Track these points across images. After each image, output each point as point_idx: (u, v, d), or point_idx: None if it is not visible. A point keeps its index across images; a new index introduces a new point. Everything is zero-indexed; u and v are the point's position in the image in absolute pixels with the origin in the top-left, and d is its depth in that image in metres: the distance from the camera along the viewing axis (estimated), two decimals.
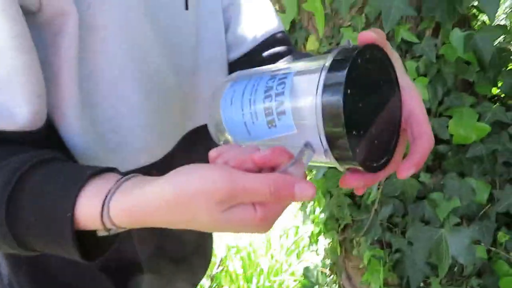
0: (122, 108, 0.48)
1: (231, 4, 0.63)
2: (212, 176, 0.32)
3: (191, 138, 0.60)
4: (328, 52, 0.36)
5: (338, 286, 1.51)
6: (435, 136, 1.26)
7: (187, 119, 0.59)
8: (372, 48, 0.34)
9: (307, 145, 0.33)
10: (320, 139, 0.32)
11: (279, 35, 0.63)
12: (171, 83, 0.53)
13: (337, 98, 0.30)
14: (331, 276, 1.52)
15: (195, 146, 0.60)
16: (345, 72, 0.30)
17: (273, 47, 0.62)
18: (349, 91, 0.30)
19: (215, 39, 0.60)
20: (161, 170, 0.38)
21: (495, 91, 1.28)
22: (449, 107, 1.22)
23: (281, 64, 0.39)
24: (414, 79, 1.15)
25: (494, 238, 1.20)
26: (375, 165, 0.34)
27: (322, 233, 1.44)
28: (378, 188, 1.18)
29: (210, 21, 0.59)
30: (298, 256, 1.96)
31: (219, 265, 1.89)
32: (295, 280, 1.80)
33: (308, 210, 1.50)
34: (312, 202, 1.47)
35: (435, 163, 1.27)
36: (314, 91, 0.31)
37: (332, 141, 0.31)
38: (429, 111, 1.24)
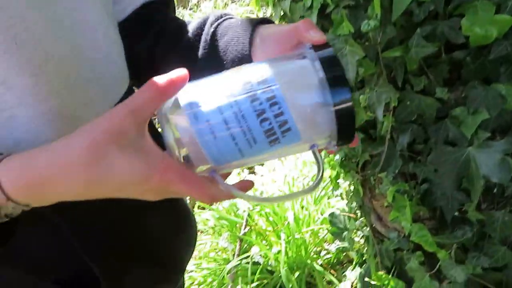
0: None
1: None
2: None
3: None
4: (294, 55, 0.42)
5: (370, 228, 1.40)
6: (447, 42, 1.08)
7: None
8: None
9: (313, 146, 0.39)
10: (330, 139, 0.39)
11: None
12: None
13: (349, 106, 0.36)
14: (360, 219, 1.40)
15: None
16: (345, 79, 0.37)
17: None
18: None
19: None
20: None
21: None
22: (458, 5, 1.01)
23: (244, 74, 0.38)
24: None
25: None
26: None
27: (341, 176, 1.31)
28: (384, 115, 1.03)
29: None
30: (329, 204, 1.85)
31: (245, 226, 1.82)
32: (326, 229, 1.70)
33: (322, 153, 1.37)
34: None
35: (453, 75, 1.08)
36: (321, 101, 0.37)
37: (342, 137, 0.38)
38: (436, 14, 1.05)
